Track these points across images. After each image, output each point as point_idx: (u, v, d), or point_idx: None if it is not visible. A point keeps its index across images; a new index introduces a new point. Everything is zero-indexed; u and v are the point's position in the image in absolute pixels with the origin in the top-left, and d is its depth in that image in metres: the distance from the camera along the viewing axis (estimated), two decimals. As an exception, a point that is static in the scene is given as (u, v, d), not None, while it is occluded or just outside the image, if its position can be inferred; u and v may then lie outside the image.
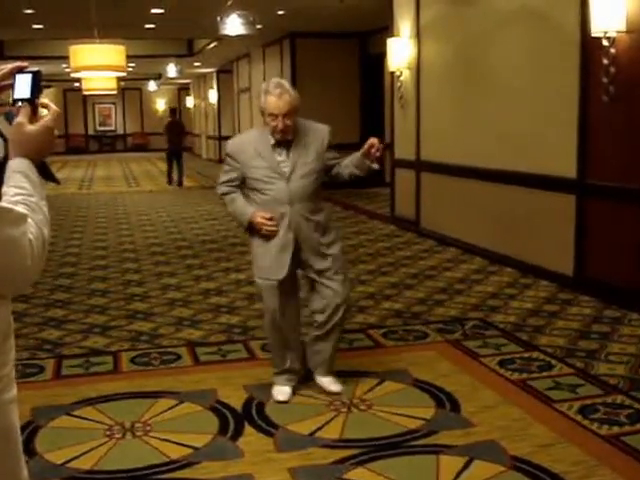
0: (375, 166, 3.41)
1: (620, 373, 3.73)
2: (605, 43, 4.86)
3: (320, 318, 3.49)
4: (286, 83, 3.32)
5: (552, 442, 2.96)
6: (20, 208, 1.24)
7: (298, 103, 3.30)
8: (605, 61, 4.90)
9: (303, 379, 3.64)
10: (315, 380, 3.60)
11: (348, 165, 3.46)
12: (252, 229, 3.38)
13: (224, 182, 3.46)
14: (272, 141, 3.34)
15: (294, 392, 3.52)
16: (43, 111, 1.39)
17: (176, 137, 14.93)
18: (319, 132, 3.42)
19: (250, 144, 3.38)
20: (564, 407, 3.31)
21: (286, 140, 3.33)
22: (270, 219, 3.31)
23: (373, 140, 3.34)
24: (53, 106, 1.39)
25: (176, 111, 16.29)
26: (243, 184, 3.43)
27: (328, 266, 3.41)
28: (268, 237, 3.34)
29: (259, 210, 3.34)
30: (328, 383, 3.56)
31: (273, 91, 3.24)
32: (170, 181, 15.13)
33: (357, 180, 3.55)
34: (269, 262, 3.36)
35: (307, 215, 3.35)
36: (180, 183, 14.92)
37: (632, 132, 4.81)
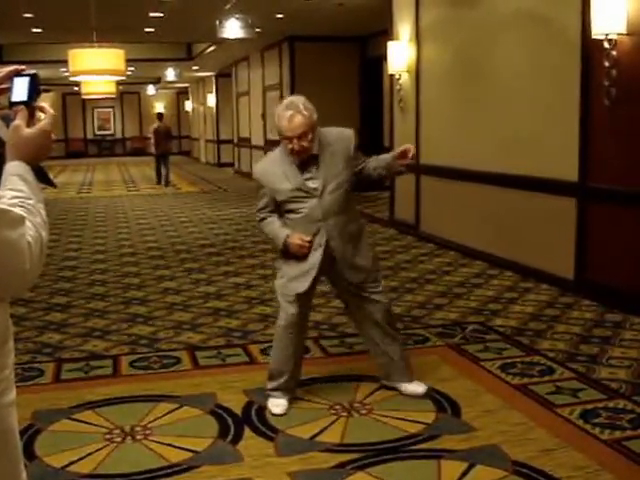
0: (403, 170, 3.39)
1: (622, 377, 3.72)
2: (606, 45, 4.86)
3: (377, 332, 3.48)
4: (300, 102, 3.21)
5: (554, 447, 2.95)
6: (18, 210, 1.23)
7: (313, 121, 3.21)
8: (606, 63, 4.90)
9: (302, 384, 3.63)
10: (402, 391, 3.55)
11: (377, 167, 3.42)
12: (286, 250, 3.34)
13: (260, 209, 3.41)
14: (297, 162, 3.28)
15: (290, 402, 3.45)
16: (42, 115, 1.38)
17: (163, 141, 15.92)
18: (344, 139, 3.35)
19: (276, 167, 3.32)
20: (566, 412, 3.29)
21: (311, 156, 3.26)
22: (309, 242, 3.27)
23: (408, 146, 3.31)
24: (50, 109, 1.38)
25: (163, 116, 17.39)
26: (279, 206, 3.36)
27: (364, 277, 3.40)
28: (301, 257, 3.31)
29: (295, 233, 3.28)
30: (415, 387, 3.54)
31: (284, 114, 3.17)
32: (159, 181, 16.21)
33: (381, 181, 3.54)
34: (293, 275, 3.33)
35: (342, 228, 3.30)
36: (167, 183, 15.98)
37: (633, 135, 4.81)
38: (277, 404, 3.40)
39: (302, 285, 3.32)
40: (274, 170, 3.31)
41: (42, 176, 1.37)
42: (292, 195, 3.27)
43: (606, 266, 5.15)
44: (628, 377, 3.72)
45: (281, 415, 3.35)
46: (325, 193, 3.26)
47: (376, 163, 3.43)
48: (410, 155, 3.30)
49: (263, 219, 3.41)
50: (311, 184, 3.27)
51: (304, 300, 3.39)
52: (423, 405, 3.43)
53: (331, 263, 3.34)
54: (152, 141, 16.13)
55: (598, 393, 3.52)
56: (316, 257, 3.29)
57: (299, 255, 3.29)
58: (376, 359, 3.59)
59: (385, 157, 3.43)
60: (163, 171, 16.04)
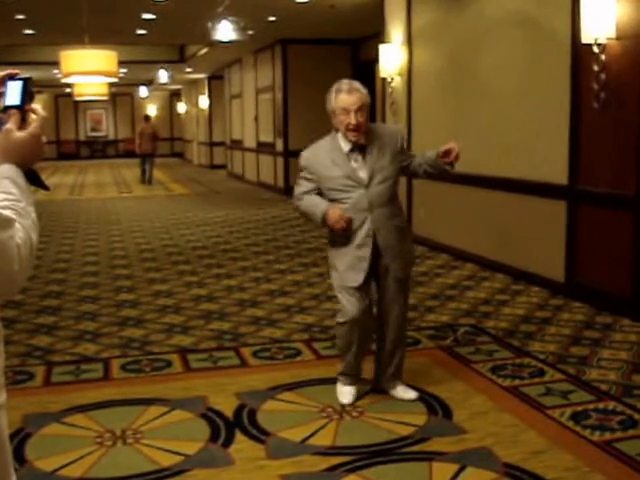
0: (449, 168, 3.38)
1: (612, 379, 3.73)
2: (595, 50, 4.89)
3: (396, 333, 3.51)
4: (357, 83, 3.28)
5: (544, 448, 2.96)
6: (7, 212, 1.24)
7: (369, 102, 3.26)
8: (595, 68, 4.93)
9: (294, 387, 3.63)
10: (391, 393, 3.56)
11: (422, 163, 3.43)
12: (325, 225, 3.32)
13: (301, 193, 3.39)
14: (346, 149, 3.29)
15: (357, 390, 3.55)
16: (33, 116, 1.39)
17: (148, 142, 16.66)
18: (393, 134, 3.39)
19: (324, 153, 3.33)
20: (556, 413, 3.31)
21: (360, 145, 3.28)
22: (349, 220, 3.26)
23: (452, 145, 3.30)
24: (41, 111, 1.38)
25: (149, 118, 18.16)
26: (320, 195, 3.36)
27: (408, 274, 3.44)
28: (344, 233, 3.28)
29: (336, 206, 3.26)
30: (404, 392, 3.55)
31: (343, 87, 3.22)
32: (143, 180, 17.07)
33: (429, 176, 3.53)
34: (344, 268, 3.33)
35: (387, 220, 3.31)
36: (150, 181, 16.86)
37: (622, 138, 4.84)
38: (347, 392, 3.49)
39: (356, 278, 3.31)
40: (323, 156, 3.32)
41: (35, 179, 1.38)
42: (340, 183, 3.28)
43: (596, 268, 5.17)
44: (618, 379, 3.74)
45: (349, 404, 3.44)
46: (372, 184, 3.27)
47: (421, 160, 3.44)
48: (453, 154, 3.28)
49: (301, 199, 3.40)
50: (359, 174, 3.28)
51: (362, 294, 3.35)
52: (414, 407, 3.43)
53: (378, 255, 3.33)
54: (137, 142, 16.85)
55: (588, 395, 3.53)
56: (366, 249, 3.29)
57: (336, 228, 3.25)
58: (379, 360, 3.58)
59: (430, 154, 3.41)
60: (147, 170, 16.86)
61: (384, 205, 3.31)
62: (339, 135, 3.32)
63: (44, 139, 1.37)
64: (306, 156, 3.42)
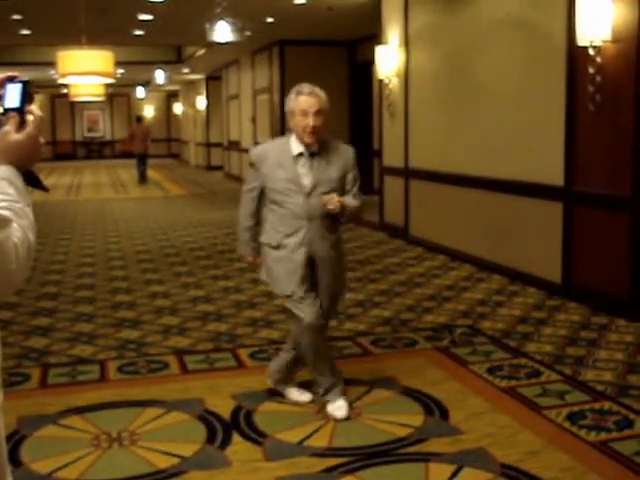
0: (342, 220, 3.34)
1: (608, 379, 3.74)
2: (591, 52, 4.90)
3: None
4: (317, 88, 3.29)
5: (541, 449, 2.97)
6: (5, 212, 1.25)
7: (327, 108, 3.27)
8: (591, 70, 4.94)
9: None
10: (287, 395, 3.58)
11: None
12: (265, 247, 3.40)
13: (247, 190, 3.42)
14: (295, 152, 3.27)
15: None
16: (31, 117, 1.39)
17: (140, 142, 17.39)
18: (345, 152, 3.35)
19: (273, 153, 3.31)
20: (552, 414, 3.31)
21: (310, 152, 3.26)
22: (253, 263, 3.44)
23: (325, 199, 3.19)
24: (37, 112, 1.39)
25: (142, 119, 18.91)
26: (262, 194, 3.35)
27: (339, 289, 3.44)
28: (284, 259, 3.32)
29: (251, 256, 3.43)
30: (299, 394, 3.57)
31: (304, 90, 3.23)
32: (140, 179, 17.84)
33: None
34: (277, 276, 3.31)
35: (325, 233, 3.27)
36: (144, 179, 17.68)
37: (618, 140, 4.85)
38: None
39: (288, 287, 3.29)
40: (272, 156, 3.30)
41: (33, 180, 1.39)
42: (283, 186, 3.25)
43: (592, 269, 5.18)
44: (614, 379, 3.75)
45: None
46: (314, 193, 3.24)
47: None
48: (330, 206, 3.17)
49: (246, 209, 3.42)
50: (303, 180, 3.26)
51: (312, 299, 3.31)
52: (411, 408, 3.44)
53: (313, 265, 3.31)
54: (130, 141, 17.93)
55: (584, 395, 3.54)
56: (299, 257, 3.26)
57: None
58: (292, 362, 3.56)
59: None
60: (141, 169, 17.66)
61: (322, 218, 3.25)
62: (292, 138, 3.29)
63: (42, 140, 1.38)
64: (255, 153, 3.42)
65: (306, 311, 3.26)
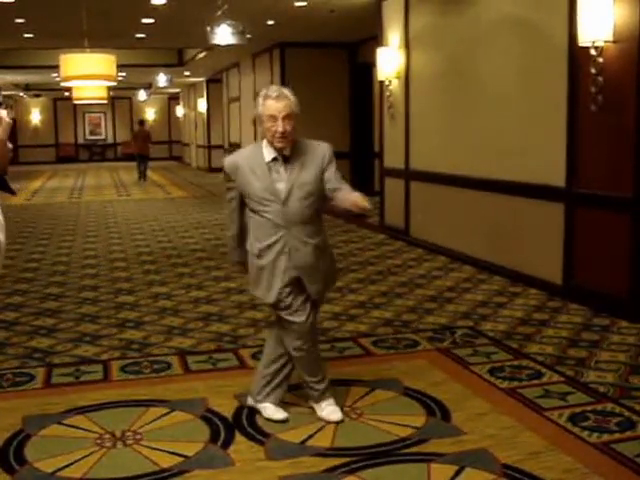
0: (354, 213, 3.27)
1: (609, 381, 3.75)
2: (593, 53, 4.92)
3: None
4: (286, 89, 3.20)
5: (542, 450, 2.98)
6: None
7: (297, 110, 3.16)
8: (593, 71, 4.96)
9: (292, 388, 3.64)
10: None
11: (337, 198, 3.21)
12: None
13: (227, 200, 3.38)
14: (268, 158, 3.18)
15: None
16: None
17: (142, 143, 18.77)
18: (319, 150, 3.23)
19: (246, 161, 3.22)
20: (554, 415, 3.32)
21: (284, 157, 3.18)
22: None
23: (355, 198, 3.09)
24: (5, 118, 1.41)
25: (144, 122, 20.50)
26: (243, 204, 3.29)
27: (323, 295, 3.41)
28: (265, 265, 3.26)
29: (239, 262, 3.41)
30: (276, 411, 3.43)
31: (271, 94, 3.13)
32: (139, 177, 19.00)
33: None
34: (261, 284, 3.25)
35: (305, 238, 3.17)
36: (144, 178, 18.83)
37: (620, 141, 4.86)
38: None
39: (272, 294, 3.22)
40: (245, 165, 3.21)
41: (2, 184, 1.42)
42: (258, 195, 3.16)
43: (594, 270, 5.19)
44: (616, 380, 3.76)
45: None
46: (291, 199, 3.13)
47: (340, 194, 3.18)
48: (354, 208, 3.08)
49: (230, 225, 3.40)
50: (278, 187, 3.16)
51: (300, 304, 3.26)
52: (413, 409, 3.45)
53: (294, 274, 3.21)
54: (132, 143, 19.34)
55: (586, 396, 3.55)
56: (281, 265, 3.18)
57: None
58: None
59: (345, 196, 3.16)
60: (142, 169, 18.83)
61: (302, 223, 3.16)
62: (264, 144, 3.19)
63: (10, 146, 1.40)
64: (228, 162, 3.30)
65: (295, 315, 3.22)
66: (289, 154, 3.18)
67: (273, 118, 3.10)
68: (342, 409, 3.41)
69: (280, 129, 3.09)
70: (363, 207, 3.06)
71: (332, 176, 3.21)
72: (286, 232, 3.16)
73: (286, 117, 3.10)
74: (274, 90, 3.16)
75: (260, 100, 3.17)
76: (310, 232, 3.20)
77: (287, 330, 3.28)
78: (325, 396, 3.38)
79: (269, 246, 3.19)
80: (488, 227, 6.60)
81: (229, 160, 3.32)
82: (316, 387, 3.37)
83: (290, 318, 3.23)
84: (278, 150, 3.16)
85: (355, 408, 3.46)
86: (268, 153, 3.19)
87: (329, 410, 3.34)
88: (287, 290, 3.21)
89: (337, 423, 3.28)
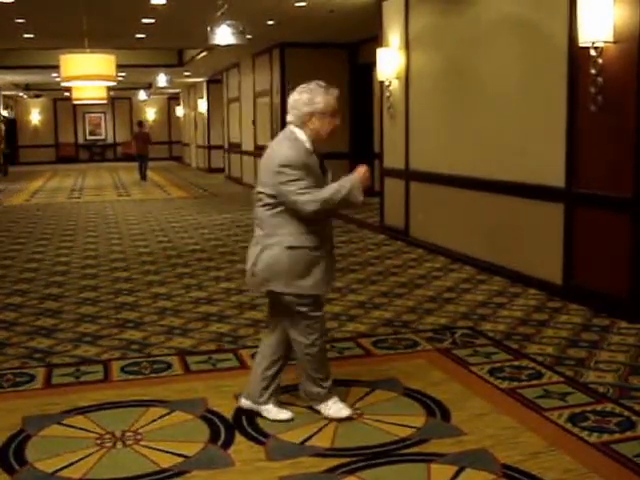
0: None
1: (609, 381, 3.75)
2: (593, 53, 4.92)
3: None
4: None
5: (542, 450, 2.98)
6: None
7: None
8: (593, 71, 4.96)
9: (292, 389, 3.64)
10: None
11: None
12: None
13: (303, 191, 3.11)
14: (312, 154, 3.21)
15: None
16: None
17: (142, 144, 19.39)
18: (274, 157, 3.15)
19: (305, 156, 3.17)
20: (554, 415, 3.32)
21: (317, 154, 3.25)
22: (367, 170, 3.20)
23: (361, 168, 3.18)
24: None
25: (142, 123, 20.85)
26: (277, 200, 3.17)
27: (271, 289, 3.39)
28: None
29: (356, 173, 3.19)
30: (278, 412, 3.41)
31: (329, 91, 3.15)
32: (141, 178, 19.60)
33: None
34: (306, 275, 3.20)
35: (261, 238, 3.27)
36: (144, 178, 19.43)
37: (619, 141, 4.86)
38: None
39: (323, 287, 3.32)
40: (307, 160, 3.17)
41: None
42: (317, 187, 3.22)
43: (593, 271, 5.20)
44: (615, 381, 3.76)
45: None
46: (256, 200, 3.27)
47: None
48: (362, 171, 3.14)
49: (315, 200, 3.13)
50: (324, 179, 3.27)
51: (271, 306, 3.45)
52: (413, 409, 3.45)
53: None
54: (133, 144, 20.11)
55: (586, 397, 3.55)
56: (334, 258, 3.39)
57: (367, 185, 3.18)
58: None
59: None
60: (143, 168, 19.44)
61: (258, 225, 3.24)
62: (304, 138, 3.17)
63: None
64: (293, 158, 3.13)
65: (320, 309, 3.32)
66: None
67: (335, 113, 3.16)
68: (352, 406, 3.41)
69: (338, 122, 3.20)
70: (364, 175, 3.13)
71: (288, 183, 3.13)
72: (328, 223, 3.28)
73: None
74: (327, 86, 3.19)
75: (319, 96, 3.14)
76: (264, 235, 3.25)
77: (304, 327, 3.27)
78: (332, 394, 3.39)
79: (323, 239, 3.23)
80: (488, 227, 6.60)
81: (293, 155, 3.12)
82: (324, 385, 3.37)
83: (316, 313, 3.28)
84: (319, 144, 3.21)
85: (355, 408, 3.46)
86: (310, 147, 3.19)
87: (337, 407, 3.35)
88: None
89: (346, 419, 3.30)
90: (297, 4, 9.66)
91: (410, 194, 8.22)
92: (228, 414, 3.40)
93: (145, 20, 11.04)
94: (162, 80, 19.60)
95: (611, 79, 4.87)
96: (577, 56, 5.15)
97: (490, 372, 3.92)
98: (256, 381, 3.42)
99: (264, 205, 3.22)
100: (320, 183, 3.20)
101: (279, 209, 3.18)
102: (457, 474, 2.80)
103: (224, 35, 8.89)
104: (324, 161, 3.31)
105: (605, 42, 4.84)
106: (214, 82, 21.28)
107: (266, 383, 3.39)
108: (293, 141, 3.18)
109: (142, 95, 27.36)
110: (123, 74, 18.24)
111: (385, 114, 8.85)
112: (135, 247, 8.48)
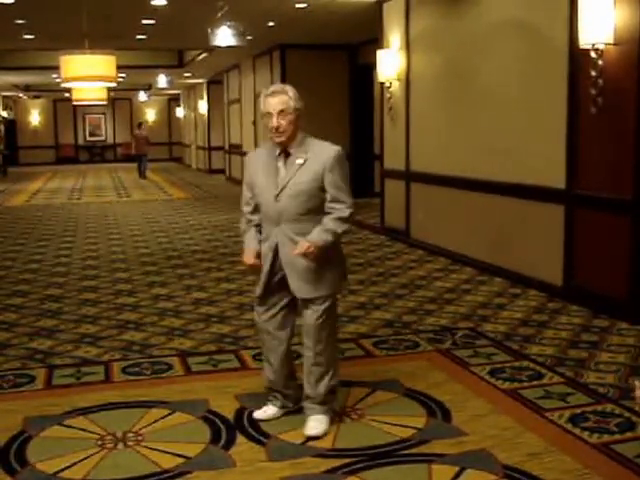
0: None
1: (609, 382, 3.76)
2: (593, 55, 4.93)
3: (306, 350, 3.35)
4: (288, 87, 3.24)
5: (543, 451, 2.98)
6: None
7: (297, 105, 3.20)
8: (593, 73, 4.96)
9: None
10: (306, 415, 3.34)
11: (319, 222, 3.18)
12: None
13: (244, 203, 3.35)
14: (276, 153, 3.23)
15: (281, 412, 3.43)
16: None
17: (141, 145, 20.34)
18: (324, 153, 3.17)
19: (258, 156, 3.33)
20: (554, 416, 3.33)
21: (286, 153, 3.21)
22: (252, 265, 3.26)
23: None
24: None
25: (142, 125, 21.77)
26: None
27: (314, 295, 3.20)
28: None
29: (248, 251, 3.27)
30: (311, 426, 3.28)
31: (268, 92, 3.21)
32: (140, 175, 20.57)
33: None
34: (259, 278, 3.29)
35: (294, 236, 3.14)
36: (144, 176, 20.38)
37: (620, 143, 4.87)
38: (264, 409, 3.40)
39: (257, 289, 3.29)
40: (257, 160, 3.31)
41: None
42: (260, 189, 3.22)
43: (594, 272, 5.20)
44: (616, 381, 3.77)
45: (266, 420, 3.32)
46: (282, 195, 3.14)
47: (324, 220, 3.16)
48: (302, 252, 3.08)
49: (248, 221, 3.33)
50: (279, 182, 3.19)
51: (268, 305, 3.28)
52: (413, 410, 3.45)
53: (282, 271, 3.22)
54: (133, 144, 20.90)
55: (586, 397, 3.56)
56: (266, 262, 3.23)
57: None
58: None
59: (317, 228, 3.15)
60: (142, 168, 20.42)
61: (293, 221, 3.15)
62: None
63: None
64: (247, 157, 3.44)
65: (259, 315, 3.31)
66: (293, 151, 3.21)
67: (269, 114, 3.18)
68: (343, 410, 3.42)
69: (274, 124, 3.16)
70: (300, 253, 3.08)
71: (330, 186, 3.15)
72: (276, 228, 3.19)
73: (281, 112, 3.16)
74: (273, 87, 3.26)
75: (261, 98, 3.26)
76: (302, 230, 3.15)
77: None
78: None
79: (264, 242, 3.25)
80: (488, 229, 6.60)
81: (248, 154, 3.49)
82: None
83: (255, 315, 3.36)
84: (279, 146, 3.22)
85: (356, 409, 3.46)
86: (276, 149, 3.25)
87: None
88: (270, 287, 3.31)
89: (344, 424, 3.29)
90: (297, 5, 9.67)
91: (411, 195, 8.22)
92: (229, 415, 3.41)
93: (145, 21, 11.04)
94: (162, 81, 19.61)
95: (611, 81, 4.87)
96: (577, 58, 5.16)
97: (491, 373, 3.92)
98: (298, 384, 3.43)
99: None
100: (259, 185, 3.23)
101: None
102: (458, 475, 2.80)
103: (224, 36, 8.89)
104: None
105: (605, 44, 4.85)
106: (214, 83, 21.30)
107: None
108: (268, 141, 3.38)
109: (142, 96, 27.37)
110: (123, 75, 18.23)
111: (385, 115, 8.86)
112: (135, 248, 8.48)
